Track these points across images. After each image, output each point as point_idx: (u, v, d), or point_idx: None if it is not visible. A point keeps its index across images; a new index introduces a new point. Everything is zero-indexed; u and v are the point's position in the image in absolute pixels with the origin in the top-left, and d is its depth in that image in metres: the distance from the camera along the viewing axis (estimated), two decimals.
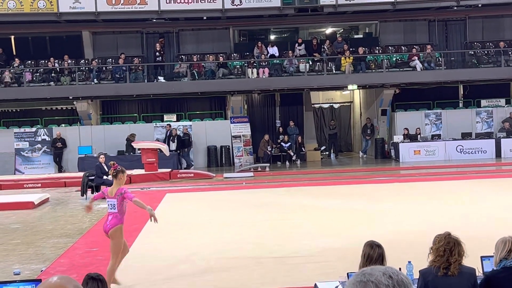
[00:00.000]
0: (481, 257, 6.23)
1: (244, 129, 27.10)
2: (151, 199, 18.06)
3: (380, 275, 1.71)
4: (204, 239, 12.14)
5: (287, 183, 21.06)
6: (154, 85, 26.46)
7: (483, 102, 27.97)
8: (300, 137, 27.63)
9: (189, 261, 10.38)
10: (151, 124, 27.19)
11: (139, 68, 26.78)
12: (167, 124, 26.48)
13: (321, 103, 31.54)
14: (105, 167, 19.32)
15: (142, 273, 9.73)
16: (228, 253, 10.84)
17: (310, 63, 27.17)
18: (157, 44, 27.52)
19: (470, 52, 28.01)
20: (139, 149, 24.09)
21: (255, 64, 26.75)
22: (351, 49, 27.27)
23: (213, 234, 12.66)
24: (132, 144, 24.52)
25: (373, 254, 5.47)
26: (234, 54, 28.17)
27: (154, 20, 27.34)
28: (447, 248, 5.23)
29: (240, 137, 26.97)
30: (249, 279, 9.08)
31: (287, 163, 26.79)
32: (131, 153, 25.15)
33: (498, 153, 25.47)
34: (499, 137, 25.90)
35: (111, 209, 8.88)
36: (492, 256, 5.75)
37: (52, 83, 26.58)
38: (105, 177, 19.10)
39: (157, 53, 27.30)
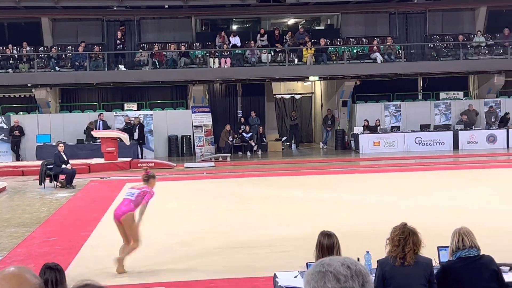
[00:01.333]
0: (438, 247, 6.34)
1: (206, 119, 27.02)
2: (110, 189, 17.93)
3: (339, 265, 1.74)
4: (164, 229, 12.09)
5: (248, 173, 21.09)
6: (115, 73, 26.18)
7: (442, 95, 28.37)
8: (261, 127, 27.68)
9: (148, 250, 10.33)
10: (111, 113, 26.92)
11: (99, 56, 26.46)
12: (126, 116, 26.30)
13: (283, 94, 31.63)
14: (64, 156, 19.08)
15: (100, 263, 9.66)
16: (188, 242, 10.82)
17: (272, 53, 27.20)
18: (118, 32, 27.22)
19: (429, 45, 28.37)
20: (98, 138, 23.83)
21: (217, 54, 26.67)
22: (312, 40, 27.37)
23: (174, 224, 12.63)
24: (92, 133, 24.26)
25: (326, 243, 5.52)
26: (196, 44, 28.03)
27: (115, 8, 27.02)
28: (402, 238, 5.33)
29: (202, 127, 26.88)
30: (209, 269, 9.09)
31: (248, 153, 26.83)
32: (91, 142, 24.88)
33: (455, 145, 25.89)
34: (456, 130, 26.32)
35: (128, 195, 9.21)
36: (448, 247, 5.85)
37: (10, 70, 26.10)
38: (63, 166, 18.87)
39: (118, 41, 27.01)
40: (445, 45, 28.20)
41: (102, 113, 26.24)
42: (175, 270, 9.12)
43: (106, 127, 25.39)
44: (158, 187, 18.14)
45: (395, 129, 26.61)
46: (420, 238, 5.39)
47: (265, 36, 27.61)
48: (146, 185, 9.36)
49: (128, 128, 25.46)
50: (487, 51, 27.56)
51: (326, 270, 1.73)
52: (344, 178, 19.17)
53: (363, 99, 28.72)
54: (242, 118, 28.00)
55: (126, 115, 26.42)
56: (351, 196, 15.26)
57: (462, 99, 28.18)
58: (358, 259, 6.53)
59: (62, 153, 19.07)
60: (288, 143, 29.79)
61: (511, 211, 12.67)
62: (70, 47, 27.41)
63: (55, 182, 18.86)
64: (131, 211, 9.02)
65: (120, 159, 23.14)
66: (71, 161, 19.48)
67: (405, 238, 5.31)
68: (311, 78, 27.31)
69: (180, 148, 26.80)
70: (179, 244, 10.71)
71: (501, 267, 5.83)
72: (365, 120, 26.82)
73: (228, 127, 26.92)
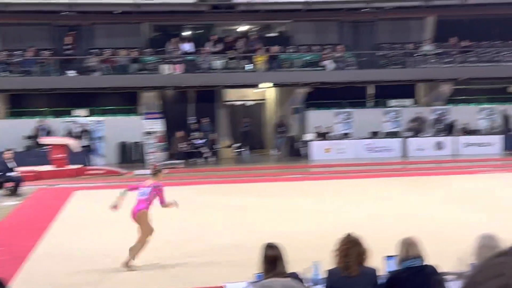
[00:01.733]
0: (385, 256, 6.42)
1: (157, 126, 26.82)
2: (59, 197, 17.65)
3: None
4: (113, 237, 11.96)
5: (199, 180, 21.02)
6: (64, 79, 25.82)
7: (391, 102, 28.79)
8: (213, 134, 27.63)
9: (96, 259, 10.20)
10: (59, 119, 26.50)
11: (49, 61, 26.05)
12: (73, 121, 25.97)
13: (235, 101, 31.63)
14: (11, 163, 18.69)
15: (48, 273, 9.49)
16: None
17: (224, 60, 27.21)
18: (68, 37, 26.85)
19: (379, 54, 28.79)
20: (47, 145, 23.44)
21: (168, 60, 26.53)
22: (264, 47, 27.48)
23: (122, 233, 12.46)
24: (40, 139, 23.84)
25: (270, 255, 5.53)
26: (148, 50, 27.84)
27: (65, 13, 26.65)
28: (345, 249, 5.39)
29: (153, 133, 26.68)
30: (158, 279, 9.02)
31: (200, 160, 26.73)
32: (39, 149, 24.45)
33: (404, 152, 26.30)
34: (405, 137, 26.74)
35: (141, 195, 9.92)
36: (395, 256, 5.94)
37: None
38: (8, 173, 18.44)
39: (68, 47, 26.64)
40: (394, 53, 28.66)
41: (44, 120, 25.79)
42: (121, 280, 9.02)
43: (48, 133, 24.98)
44: (108, 195, 17.93)
45: (345, 136, 26.89)
46: (364, 248, 5.44)
47: (218, 42, 27.59)
48: (154, 179, 10.15)
49: (77, 135, 25.13)
50: (435, 60, 28.11)
51: None
52: (295, 185, 19.27)
53: (314, 106, 28.94)
54: (194, 125, 27.90)
55: (76, 122, 26.06)
56: (302, 203, 15.35)
57: (410, 107, 28.65)
58: (307, 268, 6.58)
59: (8, 160, 18.69)
60: (240, 150, 29.80)
61: (458, 218, 12.92)
62: (18, 51, 26.91)
63: (0, 190, 18.46)
64: (145, 209, 9.78)
65: (69, 166, 22.79)
66: (19, 168, 19.10)
67: (347, 249, 5.38)
68: (263, 85, 27.42)
69: (131, 155, 26.54)
70: (125, 253, 10.58)
71: (445, 276, 5.95)
72: (316, 127, 27.03)
73: (180, 133, 26.78)
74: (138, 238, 9.75)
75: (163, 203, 10.07)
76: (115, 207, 10.01)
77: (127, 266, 9.59)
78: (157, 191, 9.96)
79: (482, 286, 0.72)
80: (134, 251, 9.70)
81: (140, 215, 9.75)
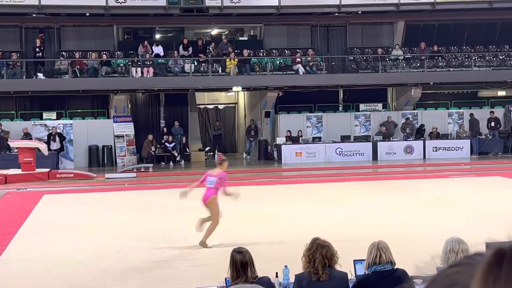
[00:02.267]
0: (354, 260, 6.44)
1: (128, 129, 26.68)
2: (27, 201, 17.42)
3: None
4: (82, 242, 11.84)
5: (170, 184, 20.90)
6: (33, 82, 25.53)
7: (362, 106, 28.96)
8: (184, 137, 27.54)
9: (65, 265, 10.09)
10: (29, 122, 26.19)
11: (17, 64, 25.74)
12: (43, 125, 25.71)
13: (206, 104, 31.58)
14: None
15: (15, 278, 9.35)
16: (106, 257, 10.62)
17: (195, 63, 27.14)
18: (37, 40, 26.56)
19: (350, 58, 28.96)
20: (15, 148, 23.14)
21: (139, 63, 26.40)
22: (236, 51, 27.48)
23: (92, 237, 12.37)
24: (9, 142, 23.53)
25: (239, 260, 5.51)
26: (118, 52, 27.65)
27: (34, 15, 26.35)
28: (311, 253, 5.40)
29: (123, 136, 26.53)
30: (127, 284, 8.95)
31: (171, 163, 26.61)
32: (7, 152, 24.14)
33: (374, 156, 26.47)
34: (376, 141, 26.92)
35: (209, 184, 11.32)
36: (364, 260, 5.95)
37: None
38: None
39: (37, 49, 26.35)
40: (365, 58, 28.86)
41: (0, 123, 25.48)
42: (91, 285, 8.93)
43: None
44: (78, 199, 17.80)
45: (316, 140, 26.99)
46: (331, 251, 5.44)
47: (189, 46, 27.52)
48: (220, 169, 11.53)
49: (48, 138, 24.88)
50: (405, 64, 28.37)
51: None
52: (266, 189, 19.27)
53: (286, 110, 29.01)
54: (165, 128, 27.78)
55: (45, 125, 25.80)
56: (272, 207, 15.35)
57: (381, 111, 28.86)
58: (277, 273, 6.59)
59: None
60: (212, 153, 29.73)
61: (427, 222, 13.03)
62: None
63: None
64: (214, 195, 11.20)
65: (38, 170, 22.51)
66: None
67: (313, 253, 5.39)
68: (235, 88, 27.41)
69: (101, 159, 26.33)
70: (96, 259, 10.49)
71: (414, 280, 5.97)
72: (288, 130, 27.09)
73: (150, 137, 26.63)
74: (212, 220, 11.16)
75: (225, 191, 11.43)
76: (184, 193, 11.50)
77: (204, 245, 11.02)
78: (221, 180, 11.32)
79: None
80: (210, 232, 11.08)
81: (210, 201, 11.17)
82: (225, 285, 6.08)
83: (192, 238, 11.92)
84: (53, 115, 27.04)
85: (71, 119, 27.07)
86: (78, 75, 25.89)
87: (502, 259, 0.70)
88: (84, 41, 27.89)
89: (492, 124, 27.91)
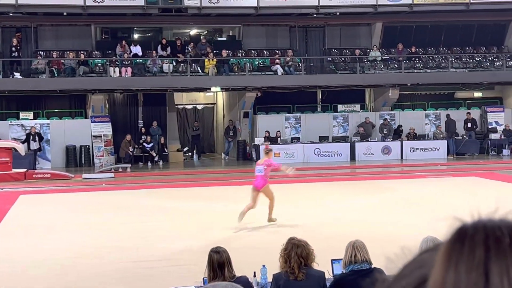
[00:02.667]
0: (332, 260, 6.48)
1: (105, 129, 26.55)
2: (3, 201, 17.27)
3: None
4: (60, 242, 11.77)
5: (148, 184, 20.86)
6: (10, 81, 25.30)
7: (340, 107, 29.09)
8: (163, 137, 27.45)
9: (43, 266, 10.03)
10: (5, 122, 25.96)
11: None
12: (20, 124, 25.50)
13: (185, 104, 31.52)
14: None
15: None
16: (84, 257, 10.57)
17: (174, 63, 27.08)
18: (14, 39, 26.32)
19: (328, 59, 29.07)
20: None
21: (117, 63, 26.27)
22: (214, 51, 27.47)
23: (69, 237, 12.30)
24: None
25: (216, 260, 5.52)
26: (96, 52, 27.49)
27: (11, 14, 26.12)
28: (286, 253, 5.43)
29: (101, 136, 26.39)
30: (104, 284, 8.92)
31: (149, 164, 26.51)
32: None
33: (352, 156, 26.59)
34: (353, 141, 27.06)
35: (258, 172, 12.91)
36: (341, 259, 5.99)
37: None
38: None
39: (14, 48, 26.12)
40: (343, 59, 28.99)
41: None
42: (68, 286, 8.89)
43: None
44: (55, 199, 17.67)
45: (295, 140, 27.06)
46: (306, 250, 5.47)
47: (167, 46, 27.44)
48: (267, 157, 13.16)
49: (27, 138, 24.72)
50: (382, 66, 28.55)
51: None
52: (245, 189, 19.24)
53: (264, 110, 29.05)
54: (143, 128, 27.67)
55: (23, 124, 25.59)
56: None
57: (359, 112, 29.01)
58: (255, 273, 6.61)
59: None
60: (190, 154, 29.70)
61: (404, 222, 13.12)
62: None
63: None
64: (266, 183, 12.92)
65: (14, 170, 22.31)
66: None
67: (289, 253, 5.42)
68: (213, 89, 27.39)
69: (78, 159, 26.17)
70: (74, 259, 10.44)
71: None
72: (266, 131, 27.13)
73: (128, 137, 26.52)
74: (270, 200, 13.07)
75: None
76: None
77: (272, 220, 13.00)
78: (269, 166, 12.95)
79: (407, 278, 0.77)
80: (271, 208, 13.05)
81: (264, 189, 12.90)
82: (202, 284, 6.09)
83: (170, 238, 11.91)
84: (30, 115, 26.83)
85: (48, 119, 26.87)
86: (56, 75, 25.71)
87: (465, 237, 0.73)
88: (62, 41, 27.69)
89: (469, 125, 28.18)
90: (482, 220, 0.74)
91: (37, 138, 24.95)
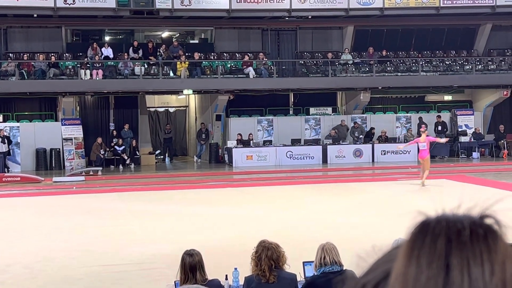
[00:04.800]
0: (303, 262, 6.50)
1: (76, 132, 26.32)
2: None
3: None
4: (29, 246, 11.63)
5: (120, 187, 20.72)
6: None
7: (312, 110, 29.20)
8: (134, 140, 27.29)
9: (10, 271, 9.90)
10: None
11: None
12: None
13: (157, 107, 31.39)
14: None
15: None
16: (53, 261, 10.46)
17: (146, 66, 26.95)
18: None
19: (300, 62, 29.17)
20: None
21: (88, 65, 26.07)
22: (186, 54, 27.40)
23: (39, 241, 12.16)
24: None
25: (189, 262, 5.49)
26: (67, 54, 27.26)
27: None
28: (257, 256, 5.43)
29: (72, 139, 26.15)
30: (75, 287, 8.83)
31: (121, 167, 26.34)
32: None
33: (324, 159, 26.70)
34: (325, 144, 27.17)
35: (422, 147, 18.93)
36: (313, 262, 6.00)
37: None
38: None
39: None
40: (315, 62, 29.11)
41: None
42: None
43: None
44: (25, 203, 17.46)
45: (267, 143, 27.09)
46: (277, 252, 5.46)
47: (139, 48, 27.30)
48: (424, 135, 19.27)
49: None
50: (354, 69, 28.72)
51: None
52: (217, 192, 19.26)
53: (237, 113, 29.04)
54: (114, 131, 27.48)
55: None
56: (223, 211, 15.35)
57: (331, 115, 29.15)
58: (227, 276, 6.59)
59: None
60: (162, 157, 29.57)
61: (374, 224, 13.21)
62: None
63: None
64: (428, 155, 18.94)
65: None
66: None
67: (259, 256, 5.41)
68: (185, 91, 27.29)
69: (48, 162, 25.89)
70: (43, 263, 10.32)
71: None
72: (239, 134, 27.12)
73: (99, 140, 26.31)
74: (426, 169, 18.67)
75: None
76: (399, 147, 22.19)
77: (424, 184, 18.43)
78: (429, 141, 19.16)
79: (373, 272, 0.78)
80: (425, 175, 18.51)
81: (427, 159, 18.78)
82: (174, 287, 6.06)
83: (141, 242, 11.84)
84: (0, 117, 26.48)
85: (18, 121, 26.57)
86: (26, 77, 25.42)
87: (427, 229, 0.74)
88: (32, 43, 27.40)
89: (439, 128, 28.47)
90: (445, 214, 0.76)
91: (6, 141, 24.65)
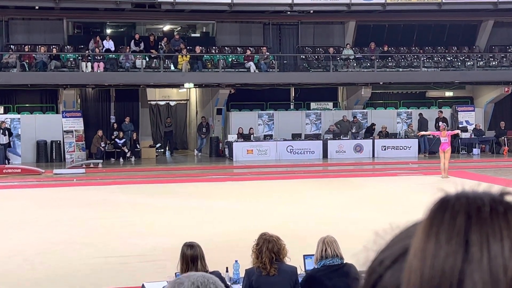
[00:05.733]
0: (304, 255, 6.52)
1: (77, 124, 26.33)
2: None
3: (189, 285, 1.74)
4: (29, 238, 11.65)
5: (120, 180, 20.73)
6: None
7: (313, 105, 29.20)
8: (135, 133, 27.29)
9: (11, 262, 9.92)
10: None
11: None
12: None
13: (158, 100, 31.38)
14: None
15: None
16: (54, 253, 10.48)
17: (147, 59, 26.94)
18: None
19: (301, 56, 29.15)
20: None
21: (89, 58, 26.06)
22: (188, 47, 27.38)
23: (39, 233, 12.19)
24: None
25: (189, 254, 5.51)
26: (68, 47, 27.25)
27: None
28: (257, 248, 5.45)
29: (73, 132, 26.16)
30: (75, 280, 8.85)
31: (121, 160, 26.36)
32: None
33: (325, 154, 26.71)
34: (326, 139, 27.17)
35: (444, 140, 20.00)
36: (313, 255, 6.02)
37: None
38: None
39: None
40: (316, 57, 29.09)
41: None
42: (38, 282, 8.80)
43: None
44: (25, 195, 17.47)
45: (268, 137, 27.10)
46: (278, 245, 5.48)
47: (140, 41, 27.28)
48: (444, 131, 20.56)
49: None
50: (355, 64, 28.70)
51: None
52: (217, 186, 19.28)
53: (238, 107, 29.04)
54: (115, 124, 27.48)
55: None
56: (224, 204, 15.37)
57: (331, 110, 29.15)
58: (227, 268, 6.61)
59: None
60: (162, 150, 29.59)
61: (374, 219, 13.22)
62: None
63: None
64: (449, 147, 20.07)
65: None
66: None
67: (260, 248, 5.43)
68: (186, 85, 27.29)
69: (49, 154, 25.90)
70: (43, 255, 10.34)
71: (362, 275, 6.07)
72: (239, 128, 27.12)
73: (100, 132, 26.31)
74: (447, 162, 19.78)
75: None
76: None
77: (447, 176, 19.39)
78: (449, 136, 20.34)
79: (390, 249, 0.80)
80: (447, 167, 19.71)
81: (447, 150, 19.83)
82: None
83: (142, 235, 11.86)
84: (0, 109, 26.50)
85: (18, 113, 26.58)
86: (27, 69, 25.42)
87: (447, 206, 0.75)
88: (33, 35, 27.38)
89: (440, 123, 28.46)
90: (465, 191, 0.76)
91: (6, 132, 24.66)
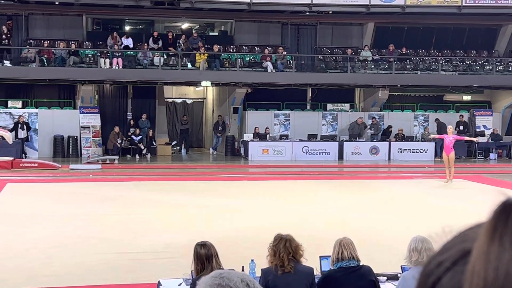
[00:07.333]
0: (320, 257, 6.51)
1: (94, 120, 26.45)
2: None
3: (239, 281, 1.73)
4: (45, 232, 11.72)
5: (136, 177, 20.81)
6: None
7: (329, 106, 29.15)
8: (151, 130, 27.39)
9: (28, 255, 9.98)
10: None
11: None
12: (8, 113, 25.37)
13: (174, 98, 31.47)
14: None
15: None
16: (69, 247, 10.53)
17: (165, 57, 27.01)
18: (4, 27, 26.16)
19: (319, 57, 29.10)
20: None
21: (108, 54, 26.17)
22: (206, 46, 27.42)
23: (55, 227, 12.25)
24: None
25: (203, 253, 5.50)
26: (87, 43, 27.39)
27: (2, 2, 25.95)
28: (275, 245, 5.45)
29: (89, 127, 26.29)
30: (91, 275, 8.89)
31: (137, 156, 26.45)
32: None
33: (340, 155, 26.64)
34: (342, 140, 27.11)
35: (448, 143, 19.39)
36: (330, 256, 6.01)
37: None
38: None
39: (4, 36, 25.95)
40: (334, 57, 29.02)
41: None
42: (54, 275, 8.85)
43: None
44: (42, 189, 17.58)
45: (283, 137, 27.08)
46: (294, 243, 5.48)
47: (159, 38, 27.37)
48: (451, 134, 19.82)
49: (15, 126, 24.61)
50: (373, 66, 28.60)
51: (226, 284, 1.72)
52: (232, 185, 19.29)
53: (254, 106, 29.06)
54: (131, 121, 27.59)
55: (10, 113, 25.46)
56: (238, 203, 15.38)
57: (348, 111, 29.08)
58: (243, 267, 6.60)
59: None
60: (178, 148, 29.66)
61: (390, 222, 13.18)
62: None
63: None
64: (453, 151, 19.37)
65: (1, 158, 22.18)
66: None
67: (277, 245, 5.43)
68: (203, 83, 27.34)
69: (66, 149, 26.06)
70: (59, 249, 10.39)
71: (378, 277, 6.06)
72: (255, 127, 27.12)
73: (117, 129, 26.43)
74: (452, 166, 19.40)
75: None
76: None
77: (451, 180, 19.23)
78: (455, 140, 19.99)
79: (449, 251, 0.79)
80: (452, 172, 19.32)
81: (452, 154, 19.31)
82: (191, 277, 6.08)
83: (157, 231, 11.89)
84: (19, 103, 26.70)
85: (36, 108, 26.75)
86: (46, 64, 25.57)
87: (510, 209, 0.74)
88: (53, 30, 27.55)
89: (461, 127, 28.26)
90: None
91: (25, 127, 24.84)
